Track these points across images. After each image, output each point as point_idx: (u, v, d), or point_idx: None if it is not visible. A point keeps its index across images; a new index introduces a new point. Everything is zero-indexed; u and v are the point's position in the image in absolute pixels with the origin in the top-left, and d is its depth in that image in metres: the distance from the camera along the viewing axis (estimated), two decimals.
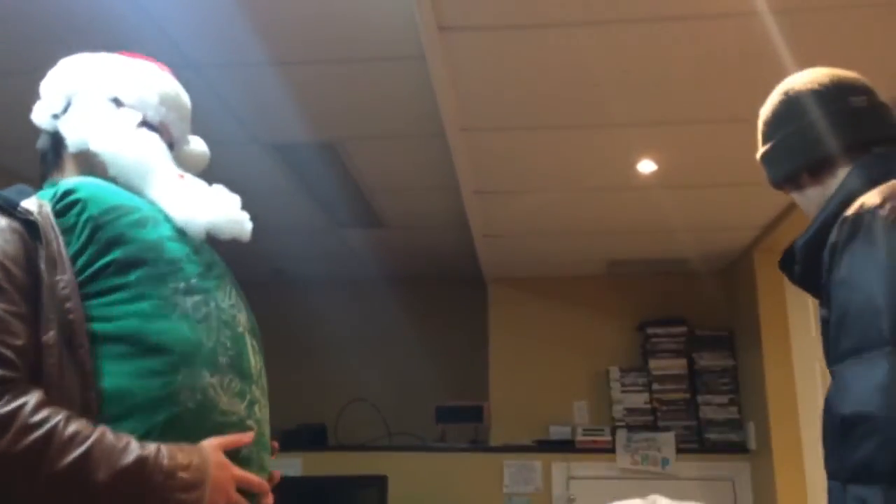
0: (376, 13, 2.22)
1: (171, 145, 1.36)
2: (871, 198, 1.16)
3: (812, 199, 1.36)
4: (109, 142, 1.24)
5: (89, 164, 1.26)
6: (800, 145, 1.35)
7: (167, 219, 1.23)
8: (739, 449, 4.24)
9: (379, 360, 4.97)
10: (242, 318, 1.27)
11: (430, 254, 4.68)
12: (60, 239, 1.12)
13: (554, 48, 2.28)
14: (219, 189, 1.33)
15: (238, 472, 1.12)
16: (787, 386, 3.87)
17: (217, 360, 1.16)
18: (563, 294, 4.66)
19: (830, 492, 1.17)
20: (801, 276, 1.32)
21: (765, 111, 1.44)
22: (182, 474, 1.03)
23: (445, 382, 4.83)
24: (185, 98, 1.41)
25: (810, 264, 1.28)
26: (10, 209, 1.11)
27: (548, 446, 4.39)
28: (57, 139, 1.29)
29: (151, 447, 1.03)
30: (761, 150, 1.45)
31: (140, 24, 2.27)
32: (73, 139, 1.26)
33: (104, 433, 1.01)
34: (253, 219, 1.38)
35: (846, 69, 1.44)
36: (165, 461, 1.02)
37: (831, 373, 1.18)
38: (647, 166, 3.09)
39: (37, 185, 1.29)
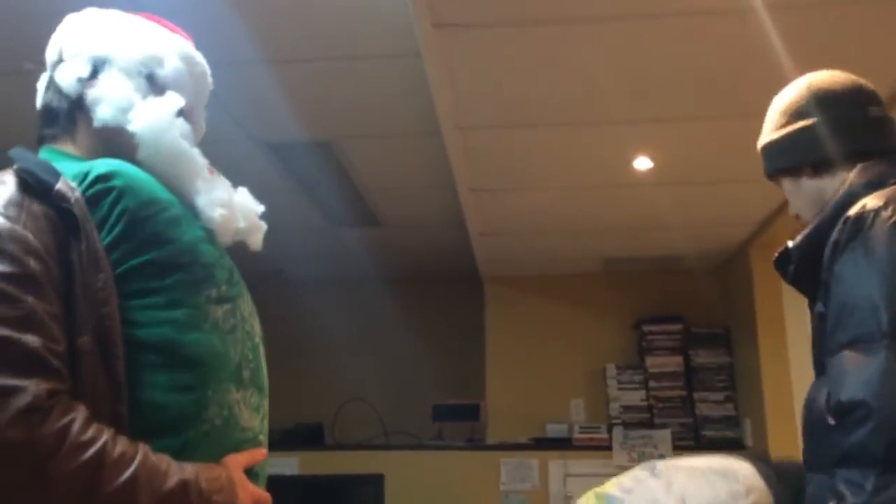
0: (372, 10, 2.21)
1: (188, 117, 1.23)
2: (874, 200, 1.20)
3: (805, 192, 1.39)
4: (152, 126, 1.13)
5: (113, 141, 1.13)
6: (813, 141, 1.37)
7: (195, 216, 1.14)
8: (736, 445, 4.23)
9: (375, 359, 4.97)
10: (258, 326, 1.21)
11: (427, 252, 4.67)
12: (96, 232, 1.00)
13: (549, 45, 2.28)
14: (243, 192, 1.24)
15: (254, 489, 1.10)
16: (784, 382, 3.88)
17: (241, 375, 1.11)
18: (559, 292, 4.66)
19: (813, 485, 1.21)
20: (795, 276, 1.35)
21: (783, 100, 1.44)
22: (217, 498, 1.00)
23: (442, 381, 4.83)
24: (209, 77, 1.31)
25: (805, 264, 1.30)
26: (45, 193, 0.99)
27: (545, 444, 4.39)
28: (76, 104, 1.15)
29: (189, 470, 0.99)
30: (770, 136, 1.45)
31: None
32: (104, 113, 1.12)
33: (147, 454, 0.96)
34: None
35: (842, 67, 1.47)
36: (204, 484, 0.99)
37: (822, 365, 1.22)
38: (643, 163, 3.09)
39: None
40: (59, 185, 1.00)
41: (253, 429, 1.13)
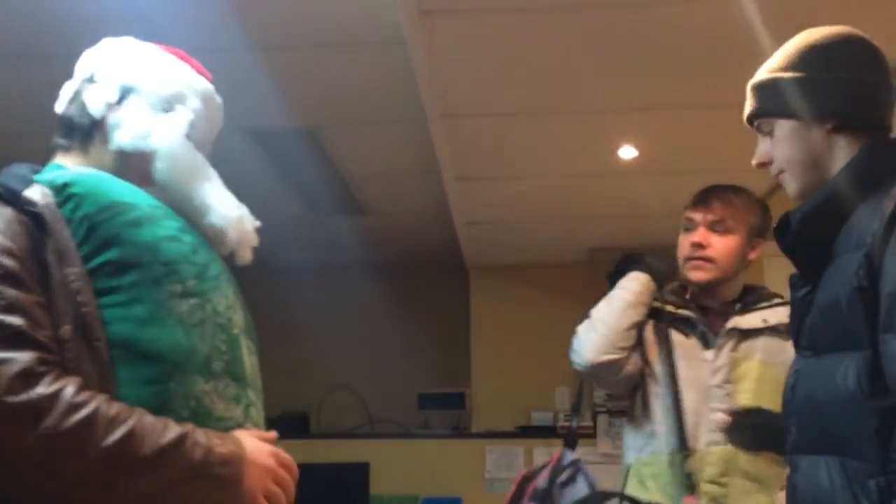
0: None
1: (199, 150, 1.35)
2: None
3: (809, 147, 1.26)
4: (168, 140, 1.24)
5: (125, 161, 1.24)
6: (856, 97, 1.25)
7: (168, 216, 1.20)
8: None
9: (361, 347, 4.96)
10: (238, 318, 1.24)
11: (412, 241, 4.67)
12: (66, 230, 1.09)
13: (535, 33, 2.27)
14: (244, 208, 1.33)
15: (272, 451, 1.15)
16: None
17: (211, 366, 1.14)
18: (544, 281, 4.66)
19: (812, 468, 1.16)
20: (794, 247, 1.26)
21: (814, 40, 1.28)
22: (219, 449, 1.05)
23: (427, 370, 4.83)
24: (221, 114, 1.45)
25: (807, 236, 1.23)
26: (14, 199, 1.08)
27: (530, 432, 4.41)
28: (97, 124, 1.24)
29: (188, 425, 1.05)
30: (800, 73, 1.27)
31: (117, 5, 2.24)
32: (122, 138, 1.23)
33: (143, 413, 1.03)
34: None
35: None
36: (203, 437, 1.05)
37: (828, 342, 1.15)
38: (628, 152, 3.10)
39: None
40: (28, 192, 1.10)
41: (233, 418, 1.16)
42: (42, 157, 1.27)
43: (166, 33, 2.36)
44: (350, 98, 2.80)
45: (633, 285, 2.02)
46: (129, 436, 0.99)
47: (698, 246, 1.92)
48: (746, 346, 1.88)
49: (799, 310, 1.27)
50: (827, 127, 1.25)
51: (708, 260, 1.92)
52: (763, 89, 1.32)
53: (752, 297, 1.98)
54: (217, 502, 1.05)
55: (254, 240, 1.34)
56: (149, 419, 1.02)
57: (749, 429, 1.69)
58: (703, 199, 1.97)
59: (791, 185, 1.31)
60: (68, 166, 1.24)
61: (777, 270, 1.40)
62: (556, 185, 3.49)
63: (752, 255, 1.97)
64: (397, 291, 5.02)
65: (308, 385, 4.82)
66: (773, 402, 1.67)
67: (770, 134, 1.31)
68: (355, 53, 2.50)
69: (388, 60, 2.51)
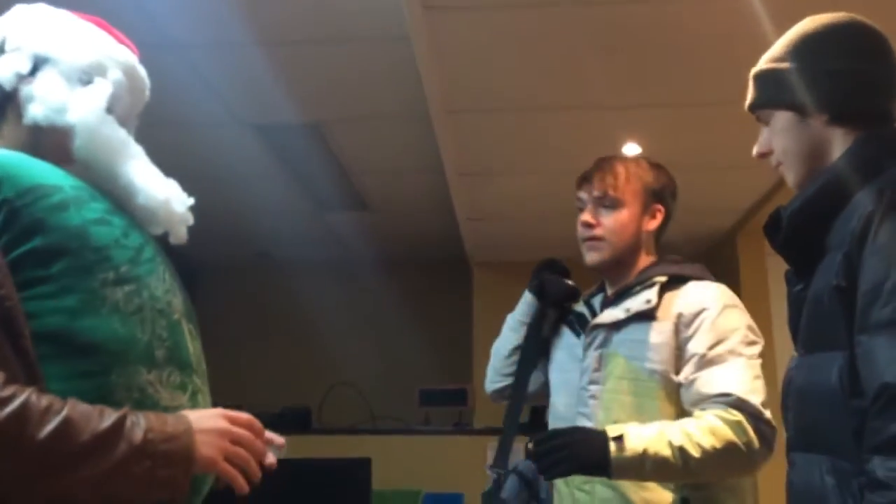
0: None
1: (123, 126, 1.25)
2: None
3: (807, 138, 1.24)
4: (86, 116, 1.15)
5: (42, 137, 1.15)
6: (857, 88, 1.22)
7: (94, 198, 1.13)
8: None
9: (363, 343, 4.96)
10: (178, 302, 1.18)
11: (415, 237, 4.67)
12: None
13: (539, 29, 2.26)
14: (174, 184, 1.25)
15: (233, 420, 1.08)
16: (768, 368, 3.87)
17: (153, 355, 1.09)
18: None
19: (807, 465, 1.16)
20: (784, 244, 1.24)
21: (811, 28, 1.27)
22: (160, 427, 1.00)
23: (429, 366, 4.83)
24: (147, 91, 1.33)
25: (800, 231, 1.21)
26: None
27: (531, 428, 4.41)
28: (8, 97, 1.16)
29: (126, 408, 1.00)
30: (800, 63, 1.25)
31: (121, 2, 2.23)
32: (36, 112, 1.13)
33: (76, 402, 0.97)
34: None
35: None
36: (142, 418, 0.99)
37: (818, 341, 1.14)
38: (631, 149, 3.09)
39: None
40: None
41: (180, 406, 1.11)
42: None
43: (170, 30, 2.37)
44: (354, 93, 2.80)
45: (519, 307, 1.94)
46: (65, 425, 0.93)
47: (587, 225, 1.76)
48: (614, 339, 1.69)
49: (794, 306, 1.26)
50: (823, 118, 1.22)
51: (598, 238, 1.75)
52: (761, 79, 1.30)
53: (636, 280, 1.74)
54: (169, 479, 1.00)
55: (187, 218, 1.25)
56: (83, 407, 0.97)
57: (550, 454, 1.46)
58: (587, 175, 1.81)
59: (789, 176, 1.29)
60: None
61: (780, 268, 1.36)
62: (559, 181, 3.47)
63: (651, 225, 1.77)
64: (400, 287, 5.02)
65: (310, 380, 4.83)
66: (631, 402, 1.62)
67: (768, 124, 1.30)
68: (359, 49, 2.49)
69: (391, 56, 2.51)
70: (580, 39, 2.32)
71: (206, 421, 1.05)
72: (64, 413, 0.94)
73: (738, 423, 1.51)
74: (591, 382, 1.69)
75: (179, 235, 1.23)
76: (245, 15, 2.29)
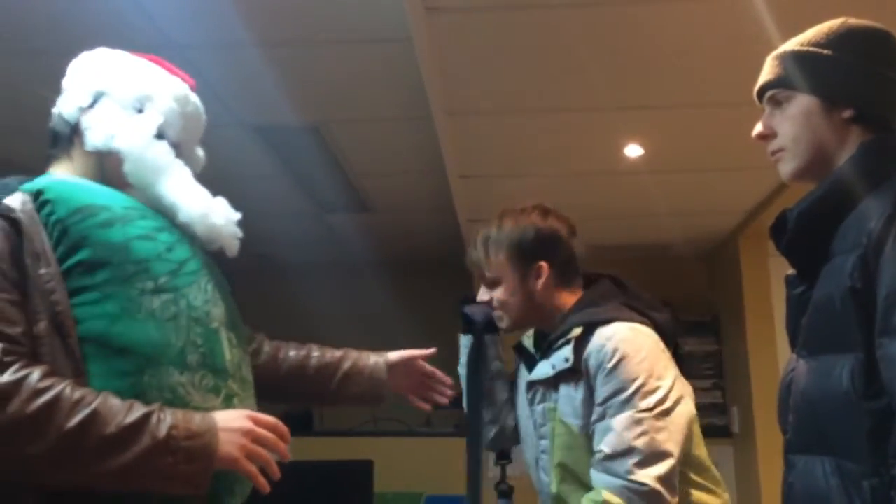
0: None
1: (178, 151, 1.38)
2: None
3: (823, 130, 1.22)
4: (133, 142, 1.28)
5: (103, 162, 1.30)
6: (874, 86, 1.21)
7: (145, 216, 1.25)
8: (723, 433, 4.27)
9: (364, 345, 4.92)
10: (218, 312, 1.28)
11: (416, 238, 4.66)
12: (43, 234, 1.16)
13: (541, 30, 2.26)
14: (222, 200, 1.38)
15: (257, 421, 1.17)
16: (772, 370, 3.89)
17: (186, 359, 1.18)
18: None
19: (809, 468, 1.15)
20: (789, 246, 1.23)
21: (854, 26, 1.25)
22: (185, 424, 1.09)
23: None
24: (201, 113, 1.46)
25: (803, 234, 1.20)
26: None
27: None
28: (74, 131, 1.31)
29: (156, 405, 1.10)
30: (818, 50, 1.24)
31: (121, 3, 2.23)
32: (94, 139, 1.28)
33: (108, 395, 1.08)
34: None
35: None
36: (169, 415, 1.09)
37: (820, 343, 1.14)
38: (633, 150, 3.09)
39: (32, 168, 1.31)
40: (8, 200, 1.17)
41: (213, 408, 1.19)
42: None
43: (170, 31, 2.37)
44: (355, 94, 2.79)
45: (462, 355, 1.95)
46: (93, 416, 1.04)
47: (487, 304, 1.79)
48: (551, 395, 1.67)
49: (795, 309, 1.26)
50: (847, 114, 1.21)
51: (497, 309, 1.76)
52: (793, 60, 1.26)
53: (559, 332, 1.67)
54: (190, 474, 1.08)
55: (234, 231, 1.36)
56: (114, 401, 1.07)
57: None
58: (468, 266, 1.83)
59: (789, 163, 1.27)
60: (56, 174, 1.30)
61: (782, 270, 1.34)
62: (560, 183, 3.48)
63: (539, 284, 1.69)
64: (400, 288, 5.01)
65: None
66: (576, 459, 1.59)
67: (781, 106, 1.27)
68: (361, 50, 2.49)
69: (393, 57, 2.50)
70: (582, 41, 2.31)
71: (232, 421, 1.14)
72: (94, 406, 1.05)
73: (602, 503, 1.46)
74: (541, 437, 1.70)
75: (231, 249, 1.36)
76: (245, 16, 2.28)
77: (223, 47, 2.47)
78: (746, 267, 4.06)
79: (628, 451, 1.47)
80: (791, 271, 1.28)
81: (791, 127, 1.25)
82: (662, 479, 1.46)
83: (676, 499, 1.48)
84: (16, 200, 1.18)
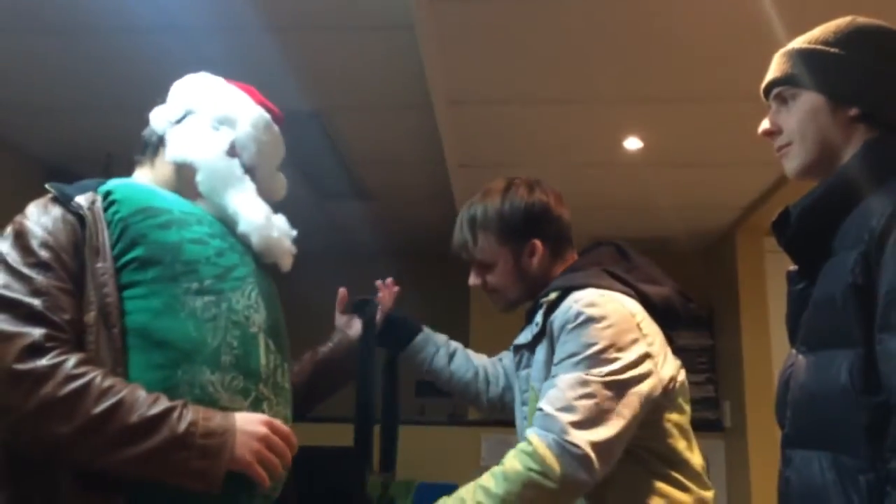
0: None
1: (251, 172, 1.46)
2: None
3: (829, 128, 1.22)
4: (205, 155, 1.38)
5: (180, 172, 1.39)
6: (882, 85, 1.21)
7: (201, 222, 1.33)
8: (714, 427, 4.29)
9: None
10: (259, 318, 1.33)
11: (414, 227, 4.66)
12: (106, 232, 1.24)
13: (543, 21, 2.26)
14: (281, 217, 1.48)
15: (272, 426, 1.22)
16: (765, 366, 3.91)
17: (220, 359, 1.23)
18: None
19: (805, 462, 1.16)
20: (791, 242, 1.24)
21: (863, 24, 1.26)
22: (205, 423, 1.14)
23: None
24: (280, 142, 1.57)
25: (806, 230, 1.21)
26: (65, 202, 1.26)
27: None
28: (161, 141, 1.42)
29: (181, 400, 1.15)
30: (826, 48, 1.24)
31: None
32: (175, 151, 1.38)
33: (137, 387, 1.14)
34: None
35: None
36: (192, 412, 1.14)
37: (820, 338, 1.15)
38: (633, 143, 3.09)
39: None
40: (78, 198, 1.27)
41: (240, 410, 1.23)
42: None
43: (173, 13, 2.36)
44: (356, 82, 2.79)
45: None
46: (118, 405, 1.10)
47: (479, 287, 1.75)
48: (531, 360, 1.61)
49: (795, 305, 1.26)
50: (853, 112, 1.22)
51: (494, 292, 1.71)
52: (800, 57, 1.27)
53: (540, 296, 1.62)
54: (202, 470, 1.12)
55: (288, 246, 1.47)
56: (140, 393, 1.13)
57: None
58: (453, 252, 1.78)
59: (794, 160, 1.27)
60: (136, 179, 1.41)
61: (778, 267, 1.33)
62: (559, 175, 3.48)
63: (534, 261, 1.64)
64: (399, 276, 5.00)
65: None
66: None
67: (788, 104, 1.28)
68: (363, 37, 2.49)
69: (394, 45, 2.50)
70: (584, 33, 2.31)
71: (250, 424, 1.19)
72: (121, 395, 1.11)
73: (532, 453, 1.39)
74: (523, 403, 1.64)
75: (284, 264, 1.47)
76: (248, 1, 2.28)
77: (225, 31, 2.46)
78: (742, 262, 4.07)
79: (567, 409, 1.40)
80: (792, 267, 1.29)
81: (797, 124, 1.26)
82: (596, 447, 1.38)
83: (603, 473, 1.40)
84: (86, 199, 1.28)
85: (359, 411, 1.76)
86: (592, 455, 1.37)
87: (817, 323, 1.18)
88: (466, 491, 1.42)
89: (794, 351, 1.26)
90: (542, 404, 1.44)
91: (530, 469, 1.38)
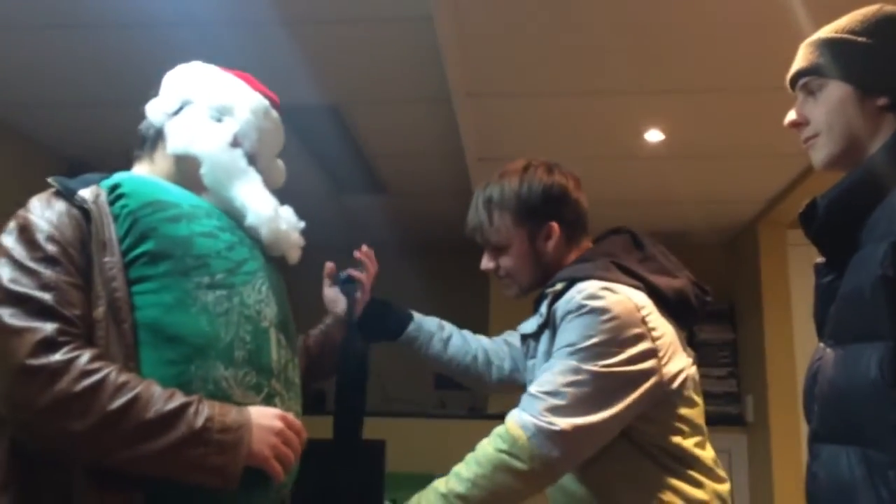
0: None
1: (253, 161, 1.44)
2: None
3: (857, 117, 1.21)
4: (209, 147, 1.35)
5: (181, 164, 1.37)
6: None
7: (210, 215, 1.31)
8: (737, 421, 4.25)
9: None
10: (270, 313, 1.32)
11: (433, 221, 4.65)
12: (113, 226, 1.22)
13: (562, 11, 2.24)
14: (288, 209, 1.46)
15: (288, 422, 1.21)
16: (787, 360, 3.87)
17: (233, 355, 1.21)
18: None
19: (833, 457, 1.14)
20: (818, 234, 1.22)
21: (891, 12, 1.23)
22: (222, 418, 1.13)
23: None
24: (279, 128, 1.55)
25: (834, 222, 1.19)
26: (69, 196, 1.24)
27: None
28: (159, 133, 1.39)
29: (196, 396, 1.14)
30: (853, 37, 1.23)
31: None
32: (175, 143, 1.36)
33: (152, 383, 1.12)
34: None
35: None
36: (207, 407, 1.13)
37: (846, 332, 1.13)
38: (654, 136, 3.06)
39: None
40: (82, 192, 1.25)
41: (253, 405, 1.21)
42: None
43: (191, 7, 2.36)
44: (374, 74, 2.78)
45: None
46: (134, 401, 1.09)
47: (488, 270, 1.71)
48: (536, 350, 1.59)
49: (823, 298, 1.24)
50: (882, 102, 1.20)
51: (506, 277, 1.67)
52: (827, 46, 1.25)
53: (547, 285, 1.60)
54: (220, 465, 1.11)
55: (296, 239, 1.45)
56: (156, 389, 1.12)
57: None
58: (467, 235, 1.74)
59: (822, 151, 1.25)
60: (136, 173, 1.38)
61: (801, 260, 1.31)
62: (579, 168, 3.42)
63: (550, 244, 1.60)
64: (417, 271, 5.02)
65: None
66: None
67: (815, 94, 1.26)
68: (381, 29, 2.48)
69: (413, 37, 2.49)
70: (605, 25, 2.29)
71: (266, 419, 1.18)
72: (136, 391, 1.10)
73: (503, 433, 1.39)
74: None
75: (292, 257, 1.45)
76: None
77: (244, 24, 2.46)
78: (765, 256, 4.03)
79: (553, 394, 1.38)
80: (820, 259, 1.27)
81: (824, 115, 1.24)
82: (575, 427, 1.35)
83: (577, 457, 1.39)
84: (91, 193, 1.25)
85: (338, 394, 1.75)
86: (570, 433, 1.35)
87: (846, 316, 1.16)
88: (440, 480, 1.43)
89: (822, 345, 1.24)
90: (531, 386, 1.43)
91: (499, 450, 1.38)
